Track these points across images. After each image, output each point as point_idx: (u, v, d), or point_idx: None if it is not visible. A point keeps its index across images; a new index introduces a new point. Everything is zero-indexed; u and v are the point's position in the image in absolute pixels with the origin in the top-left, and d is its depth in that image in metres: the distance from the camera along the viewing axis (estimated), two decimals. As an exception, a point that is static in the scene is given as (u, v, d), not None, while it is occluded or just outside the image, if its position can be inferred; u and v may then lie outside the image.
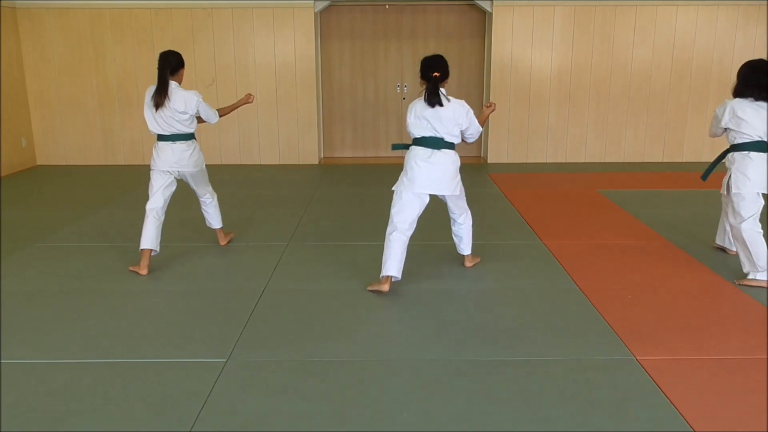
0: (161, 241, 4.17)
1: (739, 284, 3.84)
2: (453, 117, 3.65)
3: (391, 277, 3.69)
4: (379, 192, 6.45)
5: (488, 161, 8.39)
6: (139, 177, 7.42)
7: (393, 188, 3.78)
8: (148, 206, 4.11)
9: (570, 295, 3.69)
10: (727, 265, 4.19)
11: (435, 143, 3.68)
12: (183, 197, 6.20)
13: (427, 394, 2.60)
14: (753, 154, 3.82)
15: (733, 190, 3.85)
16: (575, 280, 3.91)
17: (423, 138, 3.69)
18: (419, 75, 3.71)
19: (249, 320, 3.34)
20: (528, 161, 8.40)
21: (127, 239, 4.84)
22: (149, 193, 4.15)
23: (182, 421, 2.41)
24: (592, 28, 8.01)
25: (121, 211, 5.77)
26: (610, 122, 8.28)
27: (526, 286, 3.86)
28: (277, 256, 4.43)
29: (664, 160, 8.35)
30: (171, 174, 4.18)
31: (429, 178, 3.65)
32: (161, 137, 4.11)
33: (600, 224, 5.28)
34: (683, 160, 8.35)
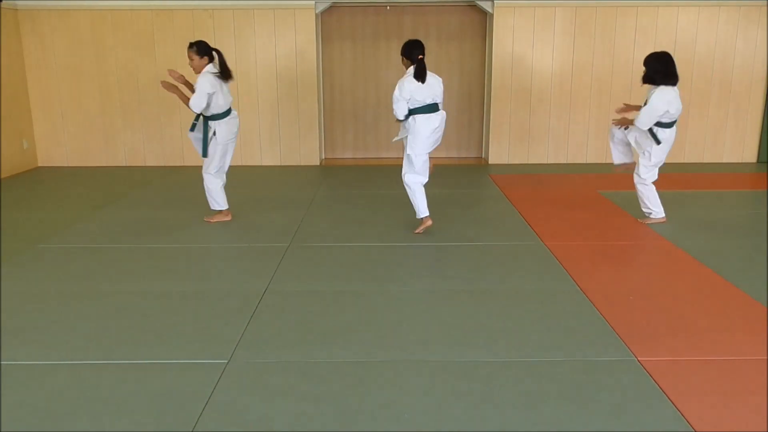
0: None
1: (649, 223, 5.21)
2: (439, 86, 4.75)
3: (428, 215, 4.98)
4: (381, 193, 6.46)
5: (489, 162, 8.39)
6: (140, 178, 7.43)
7: (394, 140, 5.12)
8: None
9: (571, 296, 3.69)
10: (729, 265, 4.19)
11: (432, 108, 4.73)
12: (183, 198, 6.22)
13: (428, 395, 2.60)
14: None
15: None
16: (576, 281, 3.92)
17: (422, 107, 4.70)
18: (403, 56, 4.74)
19: (250, 321, 3.34)
20: (529, 162, 8.40)
21: (128, 240, 4.85)
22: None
23: (184, 423, 2.41)
24: (593, 29, 8.01)
25: (122, 212, 5.77)
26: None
27: (527, 286, 3.86)
28: (279, 256, 4.43)
29: (665, 161, 8.32)
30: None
31: (430, 142, 4.82)
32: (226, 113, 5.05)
33: (601, 225, 5.27)
34: (684, 161, 8.35)
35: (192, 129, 5.10)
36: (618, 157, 5.55)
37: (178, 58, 7.88)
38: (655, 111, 4.89)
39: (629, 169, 5.50)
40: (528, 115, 8.26)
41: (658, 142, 5.04)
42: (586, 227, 5.19)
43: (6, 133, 7.52)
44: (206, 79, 4.81)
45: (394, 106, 4.70)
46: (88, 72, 8.03)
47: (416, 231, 4.99)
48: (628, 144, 5.40)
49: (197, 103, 4.81)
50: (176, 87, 4.90)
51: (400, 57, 4.80)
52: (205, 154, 5.03)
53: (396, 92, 4.66)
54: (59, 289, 3.84)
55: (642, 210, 5.35)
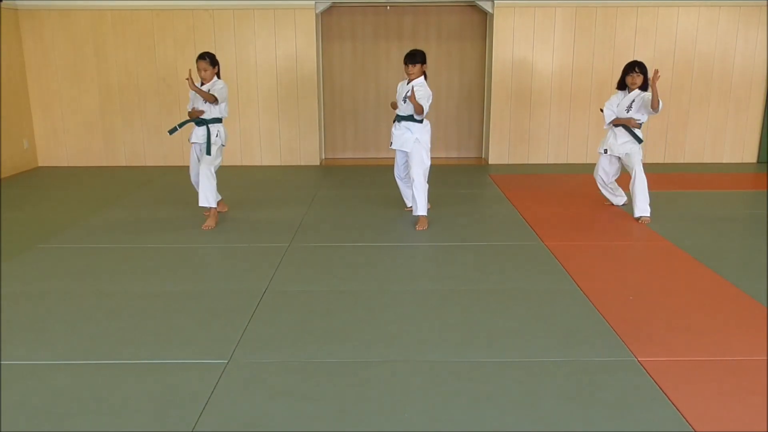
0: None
1: (647, 223, 5.26)
2: None
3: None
4: (381, 193, 6.46)
5: (489, 162, 8.39)
6: (140, 178, 7.43)
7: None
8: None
9: (571, 296, 3.69)
10: (729, 265, 4.19)
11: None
12: (183, 198, 6.21)
13: (428, 395, 2.60)
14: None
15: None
16: (576, 281, 3.92)
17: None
18: (425, 64, 5.07)
19: (250, 321, 3.34)
20: (529, 162, 8.40)
21: (128, 240, 4.85)
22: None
23: (184, 423, 2.41)
24: (593, 29, 8.01)
25: (123, 212, 5.77)
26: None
27: (527, 286, 3.86)
28: (279, 256, 4.43)
29: (666, 161, 8.35)
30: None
31: None
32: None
33: (601, 225, 5.28)
34: (684, 161, 8.36)
35: (171, 132, 5.26)
36: (617, 200, 5.88)
37: (178, 58, 7.89)
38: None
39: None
40: (528, 116, 8.27)
41: (640, 141, 5.43)
42: (586, 227, 5.19)
43: (6, 133, 7.52)
44: (226, 86, 5.13)
45: (429, 104, 4.99)
46: (88, 72, 8.03)
47: (422, 228, 5.12)
48: (614, 183, 5.82)
49: (226, 108, 5.18)
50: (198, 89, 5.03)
51: (416, 65, 5.02)
52: (209, 152, 5.12)
53: (430, 93, 5.03)
54: (59, 289, 3.84)
55: (642, 209, 5.31)
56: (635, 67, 5.29)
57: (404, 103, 5.08)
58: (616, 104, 5.46)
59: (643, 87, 5.30)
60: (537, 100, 8.21)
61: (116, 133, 8.24)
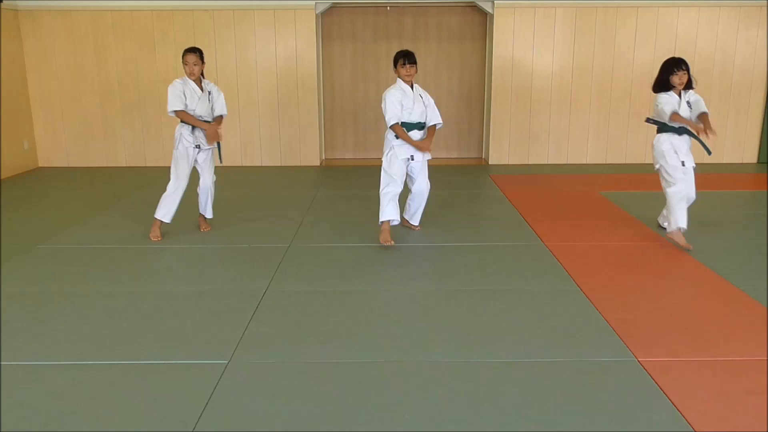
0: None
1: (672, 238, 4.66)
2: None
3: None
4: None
5: (489, 162, 8.39)
6: (140, 178, 7.43)
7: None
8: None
9: (571, 296, 3.69)
10: (729, 265, 4.19)
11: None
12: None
13: (429, 396, 2.60)
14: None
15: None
16: (576, 281, 3.92)
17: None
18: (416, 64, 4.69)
19: (250, 322, 3.34)
20: (529, 162, 8.40)
21: (128, 241, 4.85)
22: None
23: (184, 423, 2.41)
24: (594, 30, 8.01)
25: (123, 212, 5.78)
26: (611, 124, 8.28)
27: (528, 287, 3.86)
28: (279, 257, 4.43)
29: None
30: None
31: None
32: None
33: (601, 225, 5.27)
34: (684, 162, 8.35)
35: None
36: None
37: (178, 59, 7.84)
38: None
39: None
40: (528, 116, 8.27)
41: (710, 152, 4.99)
42: (586, 228, 5.19)
43: (6, 133, 7.52)
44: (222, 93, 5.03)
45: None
46: (88, 72, 8.03)
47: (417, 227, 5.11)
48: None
49: None
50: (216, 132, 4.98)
51: (413, 65, 4.62)
52: (221, 159, 5.07)
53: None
54: (59, 289, 3.84)
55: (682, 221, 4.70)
56: (681, 64, 4.63)
57: (424, 107, 4.67)
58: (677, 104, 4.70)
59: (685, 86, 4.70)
60: (537, 100, 8.21)
61: (116, 133, 8.24)
